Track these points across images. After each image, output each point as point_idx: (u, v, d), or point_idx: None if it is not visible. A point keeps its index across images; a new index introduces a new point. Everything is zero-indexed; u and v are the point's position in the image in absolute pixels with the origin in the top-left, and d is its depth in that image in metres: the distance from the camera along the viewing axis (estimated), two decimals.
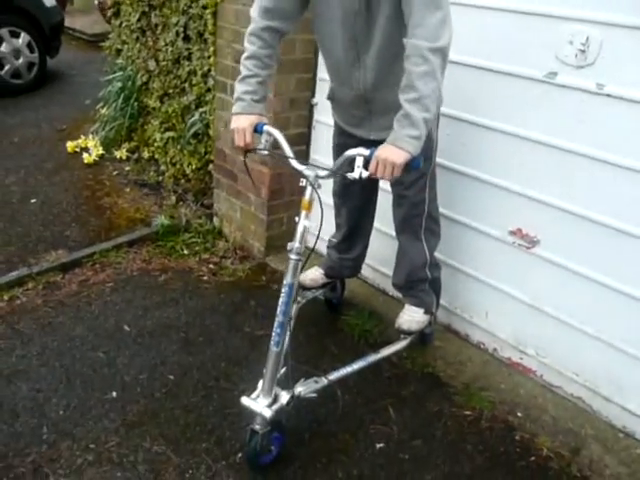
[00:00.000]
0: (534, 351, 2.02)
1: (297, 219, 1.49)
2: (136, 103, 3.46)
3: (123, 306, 2.36)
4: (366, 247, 2.19)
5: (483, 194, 2.03)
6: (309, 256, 1.57)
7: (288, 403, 1.58)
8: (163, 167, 3.31)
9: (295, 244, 1.49)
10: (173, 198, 3.08)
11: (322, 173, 1.48)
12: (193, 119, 2.95)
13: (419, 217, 1.86)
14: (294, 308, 2.12)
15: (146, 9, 3.38)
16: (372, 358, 1.91)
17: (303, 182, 1.49)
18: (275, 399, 1.56)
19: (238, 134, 1.58)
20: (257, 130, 1.58)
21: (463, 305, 2.22)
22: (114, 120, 3.50)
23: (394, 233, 1.99)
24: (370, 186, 1.89)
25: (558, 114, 1.75)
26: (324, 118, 2.44)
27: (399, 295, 2.17)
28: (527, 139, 1.85)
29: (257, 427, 1.53)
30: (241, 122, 1.57)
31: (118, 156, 3.48)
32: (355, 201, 2.03)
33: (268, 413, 1.51)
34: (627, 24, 1.54)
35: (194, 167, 3.06)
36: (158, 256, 2.72)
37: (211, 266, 2.67)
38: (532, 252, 1.94)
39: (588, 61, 1.62)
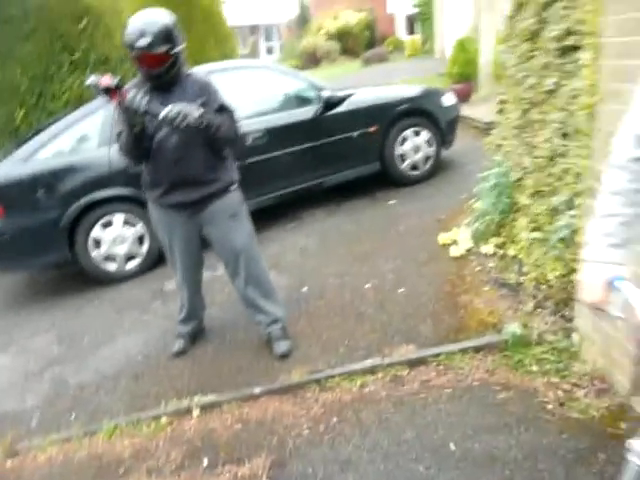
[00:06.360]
0: None
1: None
2: (508, 199, 3.41)
3: (455, 420, 2.29)
4: None
5: None
6: None
7: None
8: (526, 268, 3.13)
9: None
10: (531, 305, 2.86)
11: None
12: (560, 223, 2.70)
13: None
14: None
15: (527, 106, 3.34)
16: None
17: None
18: None
19: (587, 288, 1.32)
20: (612, 284, 1.26)
21: None
22: (485, 215, 3.54)
23: None
24: None
25: None
26: None
27: None
28: None
29: None
30: (591, 273, 1.30)
31: (484, 251, 3.49)
32: None
33: None
34: None
35: (558, 273, 2.78)
36: (503, 368, 2.55)
37: (560, 393, 2.33)
38: None
39: None
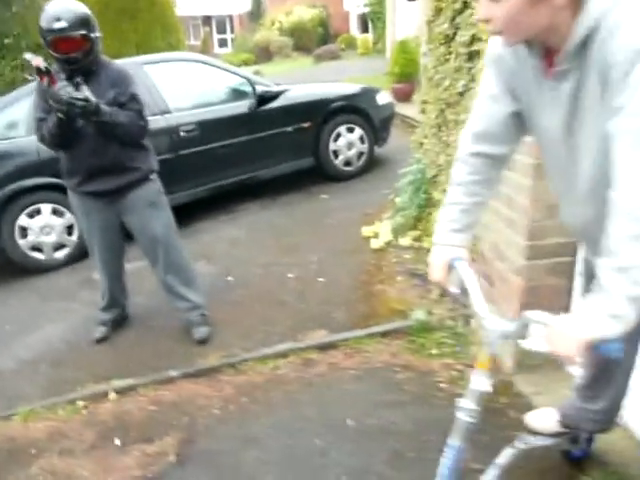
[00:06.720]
0: None
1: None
2: (424, 195, 3.61)
3: (356, 398, 2.45)
4: (619, 398, 1.72)
5: None
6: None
7: None
8: None
9: (468, 404, 1.31)
10: (436, 293, 3.06)
11: (508, 330, 1.27)
12: None
13: None
14: (509, 454, 1.84)
15: (443, 107, 3.55)
16: None
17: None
18: None
19: (432, 268, 1.49)
20: (452, 264, 1.42)
21: None
22: (404, 209, 3.73)
23: None
24: None
25: None
26: None
27: None
28: None
29: None
30: (435, 254, 1.47)
31: (402, 244, 3.68)
32: None
33: None
34: None
35: None
36: (406, 352, 2.73)
37: (453, 373, 2.53)
38: None
39: None
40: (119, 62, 2.99)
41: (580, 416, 1.77)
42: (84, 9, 2.57)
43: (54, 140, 2.67)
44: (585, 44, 1.04)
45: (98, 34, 2.63)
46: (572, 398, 1.80)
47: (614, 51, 0.98)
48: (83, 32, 2.53)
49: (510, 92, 1.28)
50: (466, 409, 1.30)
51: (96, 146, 2.66)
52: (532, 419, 1.91)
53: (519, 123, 1.31)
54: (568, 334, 1.03)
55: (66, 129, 2.57)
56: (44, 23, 2.48)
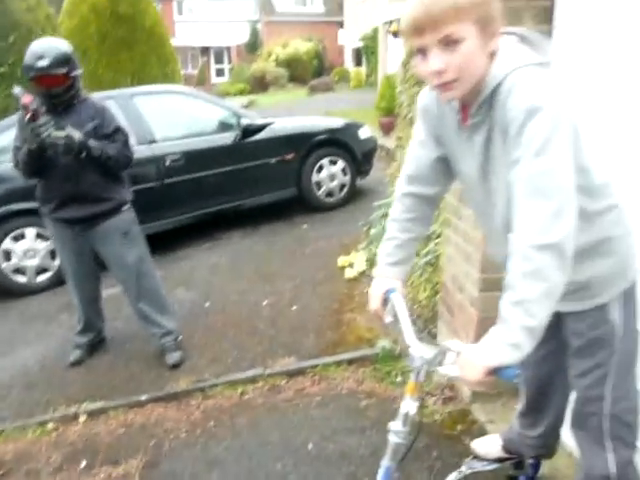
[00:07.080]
0: None
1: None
2: None
3: (318, 423, 2.52)
4: (557, 426, 1.82)
5: None
6: (413, 442, 1.44)
7: None
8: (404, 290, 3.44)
9: (397, 426, 1.41)
10: None
11: (428, 357, 1.37)
12: (427, 249, 3.03)
13: (595, 417, 1.46)
14: (454, 478, 1.92)
15: None
16: None
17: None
18: None
19: (370, 299, 1.59)
20: (386, 296, 1.52)
21: None
22: (377, 240, 3.85)
23: None
24: (562, 350, 1.60)
25: None
26: None
27: None
28: None
29: None
30: (373, 286, 1.58)
31: None
32: (535, 368, 1.73)
33: None
34: None
35: (427, 294, 3.10)
36: (371, 379, 2.82)
37: None
38: None
39: None
40: (104, 94, 3.15)
41: (520, 442, 1.86)
42: (67, 48, 2.73)
43: (26, 168, 2.80)
44: (491, 102, 1.18)
45: (79, 72, 2.78)
46: (513, 425, 1.89)
47: (510, 109, 1.12)
48: (64, 70, 2.67)
49: (435, 139, 1.42)
50: (395, 430, 1.39)
51: (70, 174, 2.78)
52: (478, 445, 2.00)
53: (445, 167, 1.45)
54: (473, 361, 1.14)
55: (36, 159, 2.70)
56: (28, 60, 2.63)
